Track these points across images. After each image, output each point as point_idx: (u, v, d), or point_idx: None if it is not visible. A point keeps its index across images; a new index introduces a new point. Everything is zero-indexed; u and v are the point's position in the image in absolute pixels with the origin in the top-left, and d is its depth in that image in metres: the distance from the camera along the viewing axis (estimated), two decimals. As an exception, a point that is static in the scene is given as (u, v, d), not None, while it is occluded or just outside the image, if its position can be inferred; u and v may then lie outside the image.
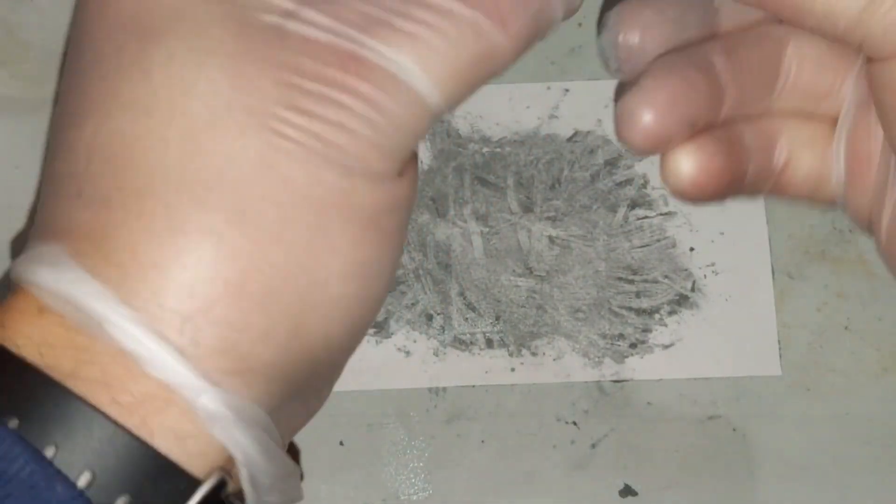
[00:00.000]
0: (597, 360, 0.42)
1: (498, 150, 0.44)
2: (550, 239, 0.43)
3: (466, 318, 0.42)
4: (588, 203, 0.43)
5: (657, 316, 0.42)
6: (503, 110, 0.44)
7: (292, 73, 0.22)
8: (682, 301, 0.42)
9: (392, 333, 0.42)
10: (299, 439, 0.41)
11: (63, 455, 0.22)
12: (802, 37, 0.27)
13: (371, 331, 0.42)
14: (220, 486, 0.23)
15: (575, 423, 0.41)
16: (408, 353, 0.42)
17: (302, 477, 0.26)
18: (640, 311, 0.42)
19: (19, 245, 0.43)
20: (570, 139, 0.44)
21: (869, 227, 0.27)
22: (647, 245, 0.43)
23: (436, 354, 0.42)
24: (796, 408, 0.41)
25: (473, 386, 0.42)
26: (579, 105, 0.44)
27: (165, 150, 0.22)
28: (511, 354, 0.42)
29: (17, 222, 0.43)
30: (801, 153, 0.28)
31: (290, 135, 0.22)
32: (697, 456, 0.41)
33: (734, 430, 0.41)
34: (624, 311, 0.42)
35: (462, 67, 0.23)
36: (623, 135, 0.25)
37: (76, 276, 0.22)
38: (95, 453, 0.22)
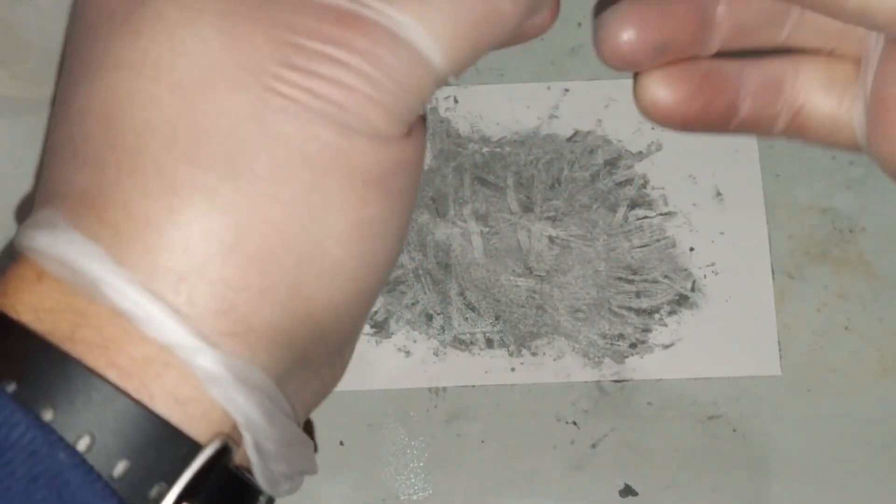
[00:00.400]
0: (597, 360, 0.42)
1: (498, 149, 0.44)
2: (550, 239, 0.43)
3: (466, 318, 0.42)
4: (588, 203, 0.43)
5: (657, 316, 0.42)
6: (503, 110, 0.44)
7: (286, 29, 0.22)
8: (682, 301, 0.42)
9: (392, 333, 0.42)
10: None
11: (61, 418, 0.21)
12: None
13: (371, 331, 0.42)
14: (224, 453, 0.22)
15: (575, 423, 0.41)
16: (408, 353, 0.42)
17: (316, 448, 0.25)
18: (640, 311, 0.42)
19: (24, 211, 0.43)
20: (570, 139, 0.44)
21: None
22: (647, 245, 0.43)
23: (436, 354, 0.42)
24: (796, 408, 0.41)
25: (473, 386, 0.42)
26: (579, 105, 0.44)
27: (156, 109, 0.22)
28: (511, 354, 0.42)
29: (17, 222, 0.43)
30: (818, 96, 0.27)
31: (283, 91, 0.22)
32: (697, 456, 0.41)
33: (734, 430, 0.41)
34: (624, 311, 0.42)
35: (464, 27, 0.23)
36: (595, 46, 0.25)
37: (71, 238, 0.22)
38: (94, 417, 0.21)
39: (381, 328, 0.42)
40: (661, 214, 0.43)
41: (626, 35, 0.25)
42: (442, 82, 0.24)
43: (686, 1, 0.26)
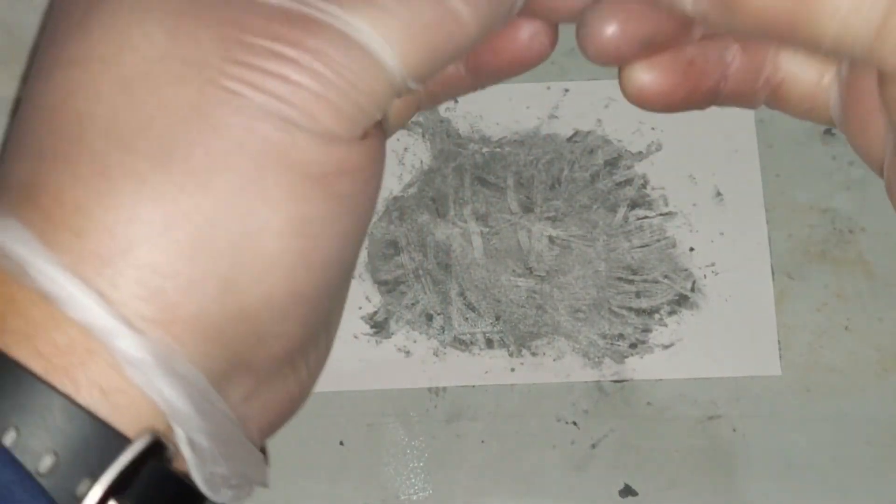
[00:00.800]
0: (597, 360, 0.42)
1: (498, 150, 0.44)
2: (550, 239, 0.43)
3: (466, 318, 0.42)
4: (588, 203, 0.43)
5: (657, 316, 0.42)
6: (503, 110, 0.44)
7: (233, 27, 0.22)
8: (682, 301, 0.42)
9: (392, 333, 0.42)
10: (300, 440, 0.41)
11: None
12: None
13: (371, 331, 0.42)
14: (158, 450, 0.22)
15: (575, 423, 0.41)
16: (408, 353, 0.42)
17: (267, 462, 0.25)
18: (640, 311, 0.42)
19: None
20: (570, 139, 0.44)
21: (868, 159, 0.27)
22: (647, 245, 0.43)
23: (436, 354, 0.42)
24: (796, 408, 0.41)
25: (473, 386, 0.42)
26: (579, 105, 0.44)
27: (98, 101, 0.22)
28: (511, 354, 0.42)
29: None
30: (797, 73, 0.28)
31: (226, 84, 0.22)
32: (697, 456, 0.41)
33: (734, 430, 0.41)
34: (624, 311, 0.42)
35: (419, 31, 0.23)
36: (579, 44, 0.25)
37: (4, 224, 0.22)
38: (19, 410, 0.21)
39: (381, 328, 0.42)
40: (661, 214, 0.43)
41: (611, 30, 0.25)
42: (401, 89, 0.23)
43: None
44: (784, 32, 0.23)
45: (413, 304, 0.42)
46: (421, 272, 0.42)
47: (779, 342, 0.42)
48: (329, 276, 0.24)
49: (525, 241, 0.43)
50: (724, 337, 0.42)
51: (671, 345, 0.42)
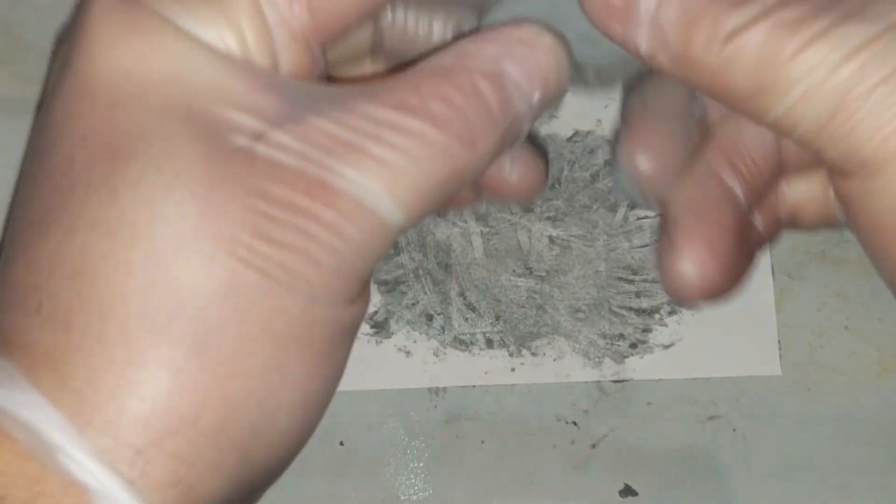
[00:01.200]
0: (597, 360, 0.42)
1: (498, 150, 0.44)
2: (550, 239, 0.43)
3: (466, 319, 0.42)
4: (588, 203, 0.43)
5: (657, 316, 0.42)
6: (503, 110, 0.44)
7: (260, 198, 0.22)
8: (682, 301, 0.42)
9: (392, 333, 0.42)
10: (299, 439, 0.41)
11: None
12: None
13: (371, 331, 0.42)
14: None
15: (575, 423, 0.41)
16: (408, 353, 0.42)
17: None
18: (640, 311, 0.42)
19: None
20: (570, 139, 0.44)
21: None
22: (647, 245, 0.43)
23: (436, 354, 0.42)
24: (796, 408, 0.41)
25: (473, 386, 0.42)
26: (579, 105, 0.44)
27: (128, 275, 0.22)
28: (511, 354, 0.42)
29: (17, 222, 0.43)
30: (805, 205, 0.29)
31: (256, 264, 0.22)
32: (697, 456, 0.41)
33: (734, 430, 0.41)
34: (624, 311, 0.42)
35: (428, 189, 0.23)
36: (677, 297, 0.27)
37: (32, 399, 0.22)
38: None
39: (381, 328, 0.42)
40: (661, 214, 0.43)
41: (699, 273, 0.27)
42: (397, 238, 0.24)
43: (720, 201, 0.27)
44: (733, 100, 0.24)
45: (413, 304, 0.42)
46: (421, 272, 0.42)
47: (779, 342, 0.42)
48: (314, 430, 0.25)
49: (525, 241, 0.43)
50: (724, 337, 0.42)
51: (671, 345, 0.42)
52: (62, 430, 0.22)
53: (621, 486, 0.41)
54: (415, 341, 0.42)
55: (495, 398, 0.42)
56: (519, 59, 0.25)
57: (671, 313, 0.42)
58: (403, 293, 0.42)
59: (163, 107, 0.22)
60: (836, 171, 0.25)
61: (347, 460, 0.41)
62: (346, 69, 0.28)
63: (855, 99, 0.22)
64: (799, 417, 0.41)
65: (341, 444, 0.41)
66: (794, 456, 0.41)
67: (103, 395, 0.22)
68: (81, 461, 0.22)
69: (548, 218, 0.43)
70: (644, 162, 0.27)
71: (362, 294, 0.24)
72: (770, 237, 0.29)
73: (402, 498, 0.41)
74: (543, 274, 0.42)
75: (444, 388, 0.42)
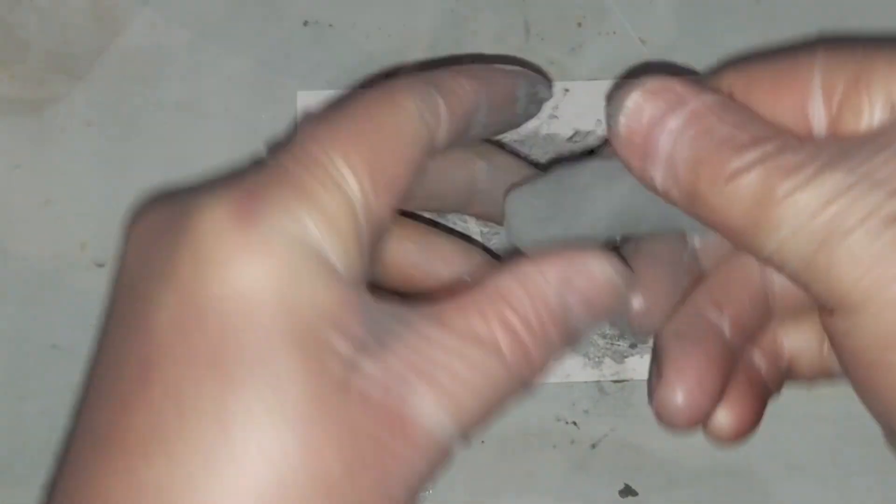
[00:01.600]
0: (597, 360, 0.42)
1: (498, 150, 0.44)
2: (550, 239, 0.43)
3: (466, 318, 0.42)
4: (588, 203, 0.43)
5: (657, 316, 0.42)
6: (503, 110, 0.44)
7: (352, 435, 0.23)
8: (682, 301, 0.42)
9: (392, 333, 0.42)
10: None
11: None
12: None
13: (371, 331, 0.42)
14: None
15: (575, 423, 0.41)
16: (408, 353, 0.42)
17: None
18: (640, 311, 0.42)
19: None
20: (570, 139, 0.44)
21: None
22: (647, 245, 0.43)
23: (436, 354, 0.42)
24: (796, 408, 0.41)
25: (473, 386, 0.42)
26: (579, 105, 0.44)
27: None
28: (511, 354, 0.42)
29: (17, 222, 0.43)
30: (801, 354, 0.32)
31: (338, 494, 0.23)
32: (697, 456, 0.41)
33: (734, 430, 0.41)
34: (624, 311, 0.42)
35: (489, 410, 0.25)
36: (666, 423, 0.29)
37: None
38: None
39: (381, 328, 0.42)
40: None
41: (686, 401, 0.29)
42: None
43: (707, 340, 0.30)
44: (733, 234, 0.26)
45: (413, 304, 0.42)
46: (421, 272, 0.42)
47: (779, 342, 0.42)
48: None
49: (525, 241, 0.43)
50: (724, 337, 0.42)
51: (671, 345, 0.42)
52: None
53: (621, 486, 0.41)
54: (415, 341, 0.42)
55: (495, 398, 0.42)
56: (580, 291, 0.26)
57: (671, 313, 0.42)
58: (403, 293, 0.42)
59: (271, 331, 0.23)
60: (822, 308, 0.26)
61: (347, 460, 0.41)
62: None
63: (835, 238, 0.24)
64: (799, 417, 0.41)
65: (341, 444, 0.41)
66: (793, 456, 0.41)
67: None
68: None
69: (548, 218, 0.43)
70: (636, 300, 0.30)
71: None
72: (776, 387, 0.32)
73: (402, 498, 0.41)
74: (543, 274, 0.42)
75: (444, 388, 0.42)
